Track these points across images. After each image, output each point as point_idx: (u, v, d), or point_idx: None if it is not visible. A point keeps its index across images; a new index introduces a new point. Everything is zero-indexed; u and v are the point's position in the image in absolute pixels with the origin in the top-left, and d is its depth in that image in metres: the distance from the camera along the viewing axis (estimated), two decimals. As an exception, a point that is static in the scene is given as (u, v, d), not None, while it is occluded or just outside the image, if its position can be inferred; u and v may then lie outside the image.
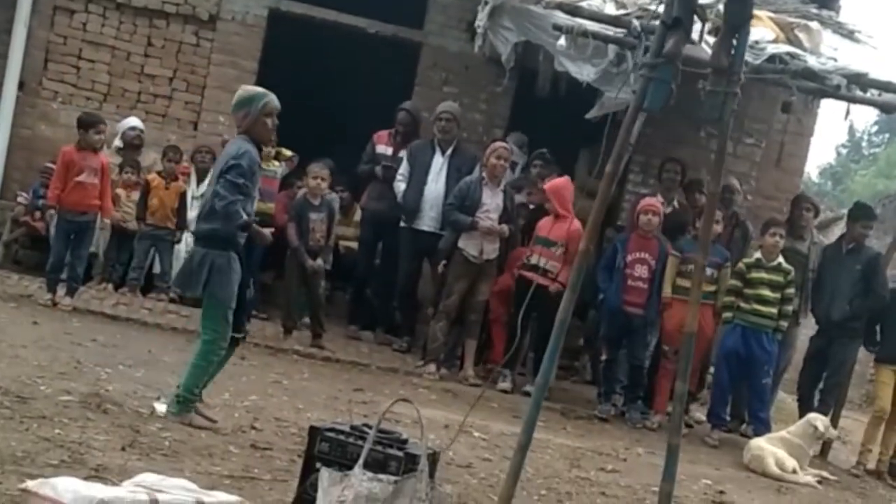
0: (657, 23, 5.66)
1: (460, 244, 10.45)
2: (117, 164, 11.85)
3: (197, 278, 6.82)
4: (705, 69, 5.68)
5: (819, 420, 9.45)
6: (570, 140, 11.71)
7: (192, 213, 11.85)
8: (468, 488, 6.39)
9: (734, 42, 5.76)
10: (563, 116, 11.19)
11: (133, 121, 12.11)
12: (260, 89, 7.17)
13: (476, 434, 7.98)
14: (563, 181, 10.62)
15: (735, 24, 5.72)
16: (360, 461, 5.04)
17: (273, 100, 7.06)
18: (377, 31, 12.84)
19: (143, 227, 11.61)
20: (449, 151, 11.19)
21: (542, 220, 10.53)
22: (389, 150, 11.53)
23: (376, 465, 5.09)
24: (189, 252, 7.07)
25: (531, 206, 11.14)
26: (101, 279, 11.63)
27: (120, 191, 11.79)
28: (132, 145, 11.99)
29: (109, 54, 12.73)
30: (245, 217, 6.83)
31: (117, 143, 12.05)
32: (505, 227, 10.46)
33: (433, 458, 5.35)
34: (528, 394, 10.17)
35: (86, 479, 4.77)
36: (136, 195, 11.72)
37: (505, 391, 10.18)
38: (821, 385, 10.75)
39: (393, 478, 4.98)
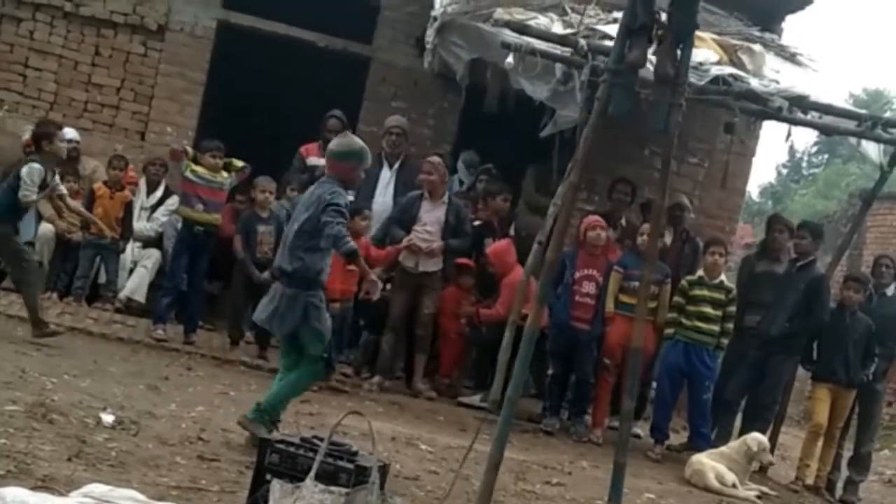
0: (607, 41, 5.74)
1: (399, 257, 10.53)
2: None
3: (292, 317, 7.02)
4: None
5: (755, 441, 9.57)
6: (518, 157, 11.81)
7: (138, 224, 11.85)
8: (416, 501, 6.42)
9: (678, 52, 5.86)
10: (511, 133, 11.29)
11: (69, 132, 11.98)
12: (363, 145, 7.41)
13: (423, 447, 8.02)
14: (503, 245, 10.79)
15: (679, 33, 5.81)
16: (312, 473, 5.07)
17: None
18: (326, 45, 12.88)
19: (87, 237, 11.55)
20: (396, 165, 11.26)
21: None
22: (322, 161, 11.52)
23: (327, 477, 5.13)
24: (274, 292, 7.16)
25: (476, 224, 11.19)
26: (45, 288, 11.55)
27: (63, 200, 11.72)
28: (69, 157, 11.90)
29: (56, 63, 12.67)
30: (352, 244, 7.03)
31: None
32: (431, 245, 10.48)
33: (383, 471, 5.39)
34: (468, 405, 10.30)
35: (33, 489, 4.75)
36: (79, 205, 11.65)
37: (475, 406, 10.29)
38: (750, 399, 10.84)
39: (344, 490, 5.02)
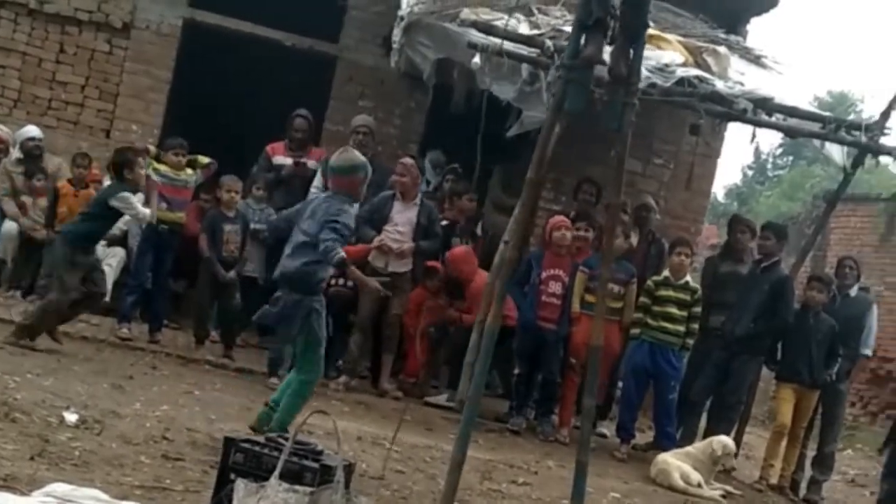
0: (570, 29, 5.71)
1: (369, 257, 10.50)
2: (20, 173, 11.74)
3: (294, 322, 7.15)
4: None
5: (721, 445, 9.60)
6: (485, 156, 11.81)
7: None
8: (381, 500, 6.41)
9: (631, 51, 5.86)
10: (478, 133, 11.28)
11: (32, 130, 11.94)
12: (363, 157, 7.57)
13: (389, 446, 8.01)
14: (461, 253, 10.78)
15: (632, 32, 5.81)
16: (276, 472, 5.05)
17: None
18: (293, 44, 12.85)
19: (51, 235, 11.45)
20: (363, 166, 11.21)
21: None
22: (288, 160, 11.51)
23: (292, 476, 5.11)
24: (277, 298, 7.23)
25: (444, 223, 11.19)
26: (9, 286, 11.48)
27: (27, 198, 11.65)
28: (32, 155, 11.84)
29: (20, 60, 12.59)
30: (341, 254, 7.08)
31: (17, 153, 11.89)
32: (402, 246, 10.46)
33: (349, 470, 5.37)
34: (434, 405, 10.31)
35: (-6, 489, 4.73)
36: (44, 202, 11.59)
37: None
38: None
39: (309, 489, 5.00)
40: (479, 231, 11.58)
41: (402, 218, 10.59)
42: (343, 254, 7.08)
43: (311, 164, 11.44)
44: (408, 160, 10.98)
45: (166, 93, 12.68)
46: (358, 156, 7.53)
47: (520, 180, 6.40)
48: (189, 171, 10.83)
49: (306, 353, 7.25)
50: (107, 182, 11.74)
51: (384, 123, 12.42)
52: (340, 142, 11.67)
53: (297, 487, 4.99)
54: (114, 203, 9.57)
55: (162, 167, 10.65)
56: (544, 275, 10.40)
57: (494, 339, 5.89)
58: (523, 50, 10.20)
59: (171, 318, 11.43)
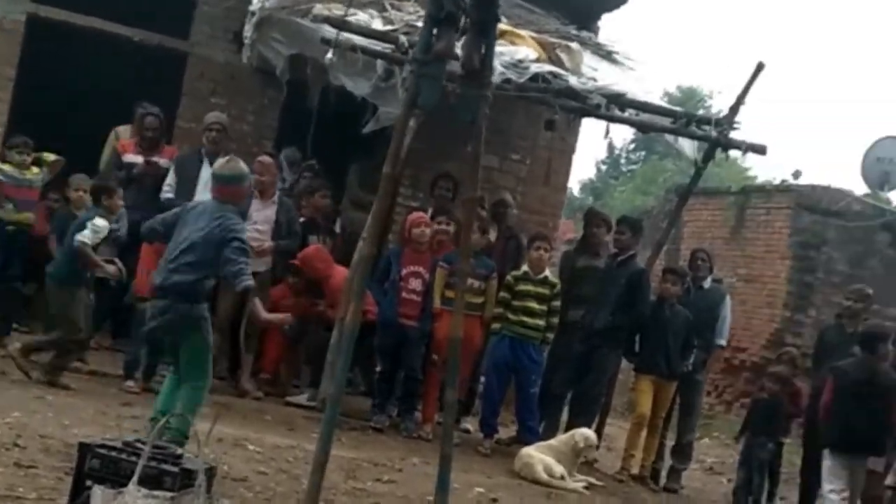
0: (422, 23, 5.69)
1: None
2: None
3: (185, 331, 7.09)
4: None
5: (583, 437, 9.70)
6: (340, 153, 11.73)
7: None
8: (244, 502, 6.29)
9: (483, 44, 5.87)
10: (333, 129, 11.20)
11: None
12: (245, 165, 7.64)
13: (251, 447, 7.86)
14: (312, 251, 10.66)
15: (483, 26, 5.81)
16: (135, 478, 4.90)
17: None
18: (141, 40, 12.54)
19: None
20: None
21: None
22: (139, 158, 11.22)
23: (151, 481, 4.97)
24: (165, 307, 7.09)
25: (301, 221, 11.06)
26: None
27: None
28: None
29: None
30: (250, 283, 7.08)
31: None
32: (262, 245, 10.24)
33: (210, 473, 5.25)
34: (295, 405, 10.17)
35: None
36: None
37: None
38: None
39: (169, 494, 4.88)
40: (337, 228, 11.48)
41: (261, 216, 10.43)
42: (251, 283, 7.06)
43: (162, 162, 11.18)
44: (266, 158, 10.84)
45: (10, 90, 12.26)
46: (243, 165, 7.52)
47: (377, 176, 6.38)
48: (35, 169, 10.49)
49: (195, 361, 7.13)
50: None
51: (237, 120, 12.21)
52: (193, 140, 11.50)
53: (157, 493, 4.87)
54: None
55: (6, 167, 10.31)
56: (404, 271, 10.35)
57: (355, 337, 5.85)
58: (377, 46, 10.15)
59: (21, 321, 11.04)
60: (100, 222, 9.32)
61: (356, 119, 10.73)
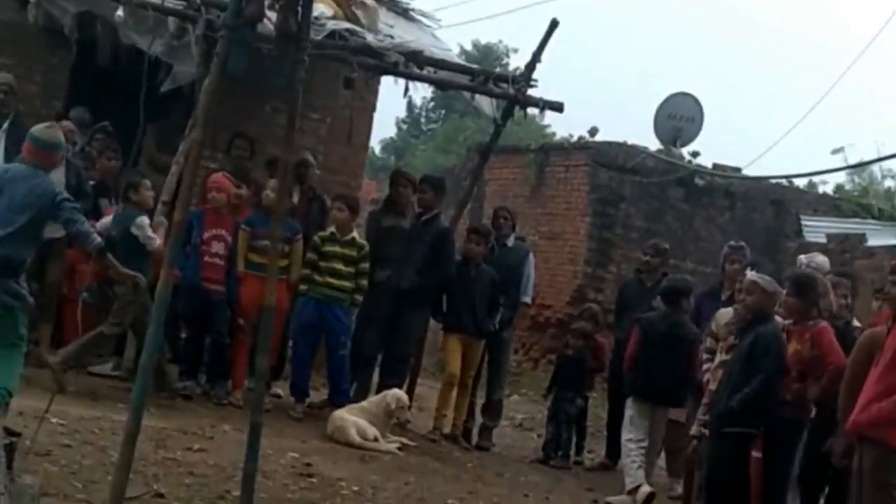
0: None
1: None
2: None
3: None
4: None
5: (394, 398, 9.71)
6: (136, 114, 11.32)
7: None
8: (49, 477, 6.04)
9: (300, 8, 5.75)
10: (127, 89, 10.80)
11: None
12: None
13: (54, 420, 7.53)
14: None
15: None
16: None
17: None
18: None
19: None
20: (6, 125, 10.48)
21: None
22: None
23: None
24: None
25: (93, 184, 10.64)
26: None
27: None
28: None
29: None
30: (100, 241, 7.03)
31: None
32: None
33: (10, 448, 4.99)
34: (99, 375, 9.82)
35: None
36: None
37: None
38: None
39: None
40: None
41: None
42: (101, 241, 7.01)
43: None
44: (67, 123, 10.45)
45: None
46: (61, 134, 7.40)
47: (175, 138, 6.23)
48: None
49: (14, 331, 6.73)
50: None
51: (25, 81, 11.59)
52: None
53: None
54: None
55: None
56: (206, 235, 10.09)
57: (166, 306, 5.64)
58: (169, 3, 9.84)
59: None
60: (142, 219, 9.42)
61: (151, 79, 10.38)
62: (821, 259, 9.38)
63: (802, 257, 9.45)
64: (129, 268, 8.76)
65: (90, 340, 9.43)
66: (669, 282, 10.20)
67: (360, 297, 10.28)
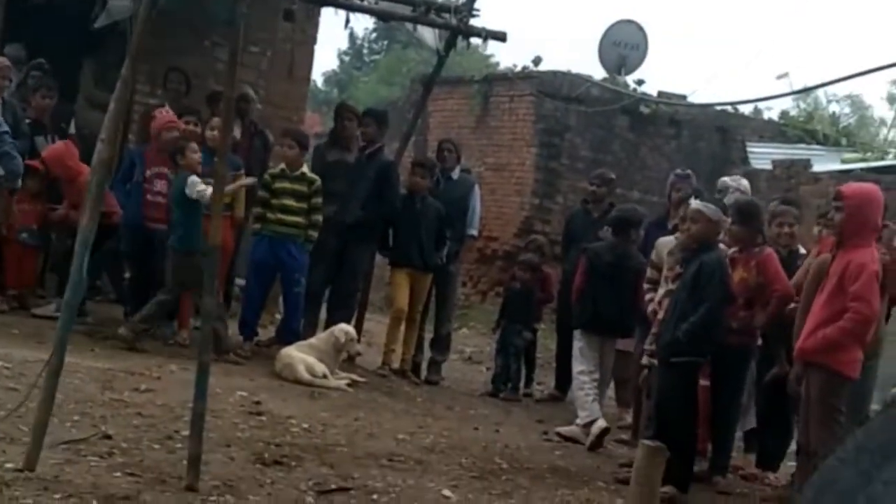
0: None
1: None
2: None
3: None
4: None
5: (343, 332, 9.67)
6: (72, 50, 11.09)
7: None
8: (-6, 422, 5.93)
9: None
10: (63, 25, 10.57)
11: None
12: None
13: (-1, 363, 7.45)
14: (60, 148, 10.08)
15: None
16: None
17: None
18: None
19: None
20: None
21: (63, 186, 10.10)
22: None
23: None
24: None
25: (28, 122, 10.42)
26: None
27: None
28: None
29: None
30: None
31: None
32: None
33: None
34: (43, 317, 9.68)
35: None
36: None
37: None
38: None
39: None
40: (72, 129, 10.89)
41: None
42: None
43: None
44: (2, 59, 10.15)
45: None
46: None
47: (112, 74, 6.07)
48: None
49: None
50: None
51: (-43, 19, 11.38)
52: None
53: None
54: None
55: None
56: (148, 173, 9.94)
57: (90, 242, 5.55)
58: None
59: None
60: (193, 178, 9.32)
61: (86, 14, 10.15)
62: (745, 182, 9.39)
63: (727, 179, 9.41)
64: (185, 225, 9.22)
65: (153, 310, 9.40)
66: (618, 212, 10.06)
67: (314, 234, 10.15)
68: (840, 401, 7.00)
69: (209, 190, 9.26)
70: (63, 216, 9.98)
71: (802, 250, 8.99)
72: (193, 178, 9.37)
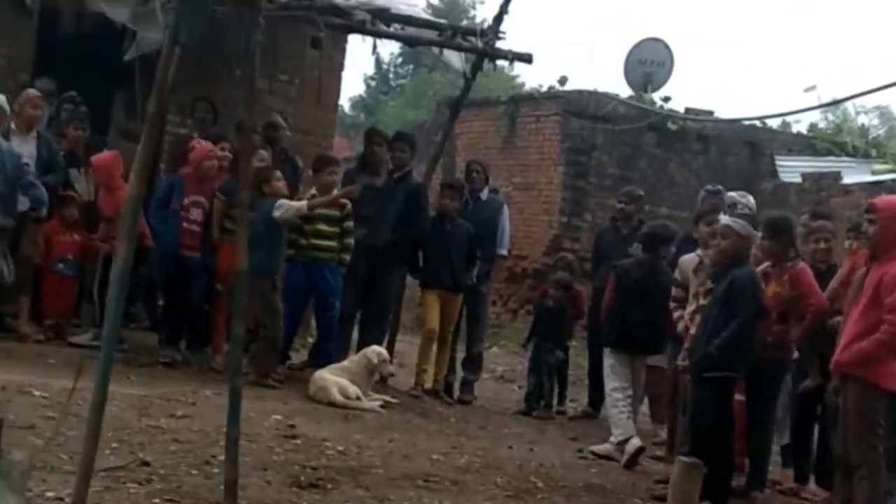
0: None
1: None
2: None
3: None
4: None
5: (375, 354, 9.72)
6: (104, 82, 11.21)
7: None
8: (36, 451, 5.98)
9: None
10: (94, 58, 10.69)
11: None
12: None
13: (36, 393, 7.51)
14: (110, 156, 10.19)
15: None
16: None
17: None
18: None
19: None
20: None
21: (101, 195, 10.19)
22: None
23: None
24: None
25: (63, 154, 10.54)
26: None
27: None
28: None
29: None
30: None
31: None
32: None
33: (-3, 424, 4.95)
34: (79, 345, 9.76)
35: None
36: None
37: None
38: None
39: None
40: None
41: (24, 151, 9.88)
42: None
43: None
44: (36, 91, 10.32)
45: None
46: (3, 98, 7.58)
47: (144, 105, 6.16)
48: None
49: None
50: None
51: (-10, 54, 11.51)
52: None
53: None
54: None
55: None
56: (186, 201, 10.02)
57: (127, 278, 5.59)
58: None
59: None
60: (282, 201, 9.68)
61: (117, 46, 10.28)
62: (751, 199, 9.33)
63: (734, 194, 9.37)
64: (267, 252, 9.31)
65: (260, 352, 9.66)
66: (649, 228, 10.03)
67: (347, 257, 10.23)
68: (878, 413, 6.96)
69: (296, 203, 9.56)
70: (96, 247, 10.07)
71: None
72: (282, 201, 9.65)
